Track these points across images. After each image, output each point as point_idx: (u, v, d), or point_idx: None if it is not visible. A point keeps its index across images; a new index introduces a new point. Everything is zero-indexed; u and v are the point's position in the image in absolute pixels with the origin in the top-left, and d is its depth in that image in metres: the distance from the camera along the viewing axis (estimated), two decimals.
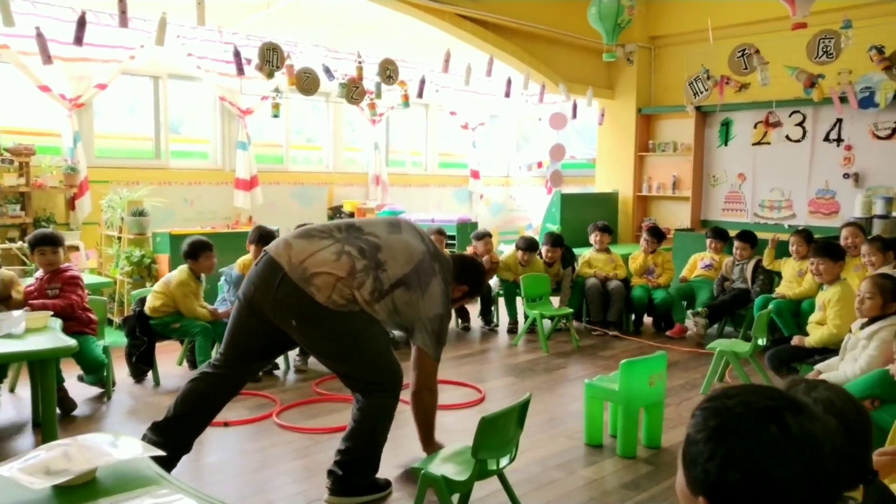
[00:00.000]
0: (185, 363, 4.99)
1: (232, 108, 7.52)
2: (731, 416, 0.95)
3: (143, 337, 4.52)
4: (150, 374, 4.64)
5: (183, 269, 4.71)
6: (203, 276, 4.83)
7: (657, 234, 6.49)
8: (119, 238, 6.27)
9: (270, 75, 6.05)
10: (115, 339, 5.12)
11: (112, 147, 7.14)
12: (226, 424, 3.87)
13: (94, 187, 6.51)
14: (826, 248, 4.43)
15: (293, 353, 5.01)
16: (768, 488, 0.91)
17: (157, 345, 4.63)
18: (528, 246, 6.37)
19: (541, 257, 6.43)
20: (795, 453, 0.91)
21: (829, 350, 4.00)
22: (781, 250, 5.91)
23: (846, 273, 4.94)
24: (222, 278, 5.16)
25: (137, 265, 5.95)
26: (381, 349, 3.06)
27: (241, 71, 6.22)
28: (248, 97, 7.39)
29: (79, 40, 5.01)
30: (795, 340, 4.29)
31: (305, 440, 3.72)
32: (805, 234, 5.67)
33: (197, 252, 4.71)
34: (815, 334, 4.27)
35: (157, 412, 4.10)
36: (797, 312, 5.25)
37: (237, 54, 6.16)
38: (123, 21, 5.07)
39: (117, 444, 1.86)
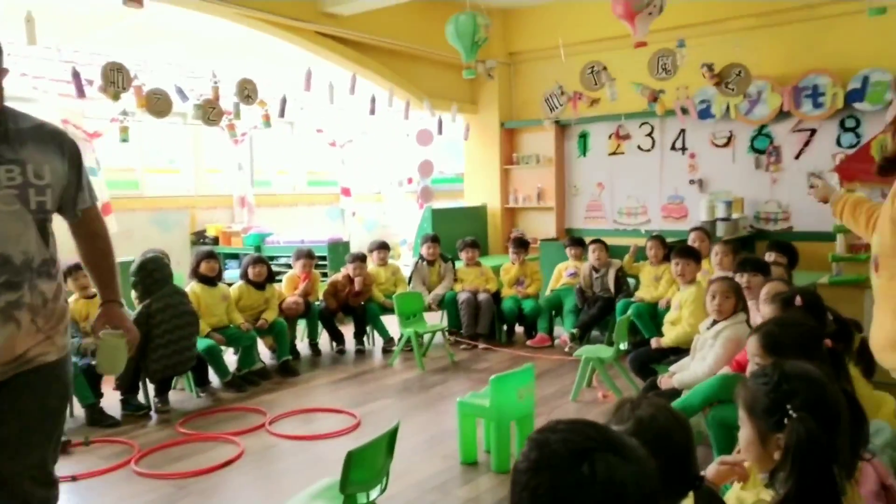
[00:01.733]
0: None
1: (77, 131, 7.00)
2: (549, 452, 1.00)
3: None
4: None
5: None
6: None
7: (521, 244, 6.70)
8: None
9: (116, 97, 5.68)
10: None
11: None
12: (73, 479, 3.55)
13: None
14: (688, 251, 4.74)
15: (152, 394, 4.71)
16: None
17: None
18: (380, 245, 6.75)
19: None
20: (598, 495, 0.95)
21: (682, 350, 4.25)
22: (640, 255, 6.23)
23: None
24: None
25: None
26: None
27: (81, 93, 5.80)
28: (93, 120, 6.90)
29: None
30: (653, 343, 4.52)
31: (169, 487, 3.48)
32: (660, 240, 6.02)
33: None
34: (670, 334, 4.51)
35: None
36: (655, 315, 5.55)
37: (76, 75, 5.74)
38: None
39: None
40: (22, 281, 1.97)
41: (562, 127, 8.45)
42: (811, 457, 1.45)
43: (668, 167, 7.86)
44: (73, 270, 4.67)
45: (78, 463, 3.79)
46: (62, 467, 3.71)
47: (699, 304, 4.35)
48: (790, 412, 1.49)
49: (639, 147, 8.03)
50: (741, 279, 3.86)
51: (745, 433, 1.61)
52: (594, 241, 6.30)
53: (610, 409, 1.56)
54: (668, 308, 5.14)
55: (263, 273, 5.69)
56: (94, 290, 4.73)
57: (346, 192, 10.08)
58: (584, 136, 8.43)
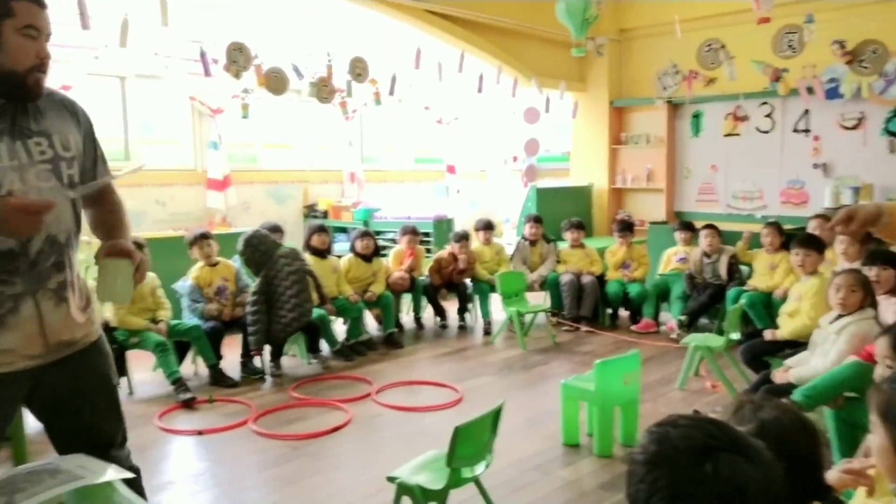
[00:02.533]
0: (158, 371, 4.92)
1: (202, 107, 7.42)
2: (669, 447, 0.99)
3: (112, 345, 4.44)
4: (123, 382, 4.58)
5: None
6: (148, 281, 4.64)
7: (626, 227, 6.54)
8: (88, 243, 6.16)
9: (238, 75, 5.98)
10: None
11: None
12: (199, 433, 3.83)
13: None
14: (810, 240, 4.48)
15: (268, 359, 4.98)
16: None
17: (131, 353, 4.56)
18: (486, 225, 6.70)
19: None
20: (718, 494, 0.94)
21: (800, 344, 4.05)
22: (754, 242, 5.97)
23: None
24: (178, 293, 5.05)
25: None
26: None
27: (207, 72, 6.12)
28: (218, 97, 7.29)
29: None
30: (767, 335, 4.34)
31: (283, 447, 3.70)
32: (777, 227, 5.74)
33: None
34: (787, 326, 4.32)
35: (131, 421, 4.06)
36: (769, 305, 5.32)
37: (203, 54, 6.06)
38: (85, 23, 4.97)
39: (86, 466, 1.82)
40: (65, 261, 1.89)
41: (674, 106, 8.15)
42: None
43: (789, 150, 7.44)
44: (198, 239, 4.97)
45: (202, 419, 4.09)
46: (190, 421, 4.03)
47: (821, 297, 4.12)
48: None
49: (757, 128, 7.64)
50: (870, 272, 3.63)
51: (877, 440, 1.52)
52: (706, 226, 6.07)
53: (727, 407, 1.52)
54: (784, 299, 4.91)
55: (371, 246, 5.87)
56: (217, 258, 5.04)
57: (451, 169, 10.17)
58: (697, 116, 8.10)
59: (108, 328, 4.47)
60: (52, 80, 6.22)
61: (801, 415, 1.48)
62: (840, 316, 3.42)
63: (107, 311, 4.49)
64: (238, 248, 4.95)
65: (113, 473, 1.79)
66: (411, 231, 6.29)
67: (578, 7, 6.17)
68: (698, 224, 6.40)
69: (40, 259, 1.83)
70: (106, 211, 2.08)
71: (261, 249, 4.90)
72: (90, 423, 2.04)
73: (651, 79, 7.68)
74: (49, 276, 1.86)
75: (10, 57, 1.74)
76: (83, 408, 2.02)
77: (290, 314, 4.84)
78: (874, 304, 3.40)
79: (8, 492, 1.63)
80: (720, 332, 5.05)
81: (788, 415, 1.44)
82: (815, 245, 4.43)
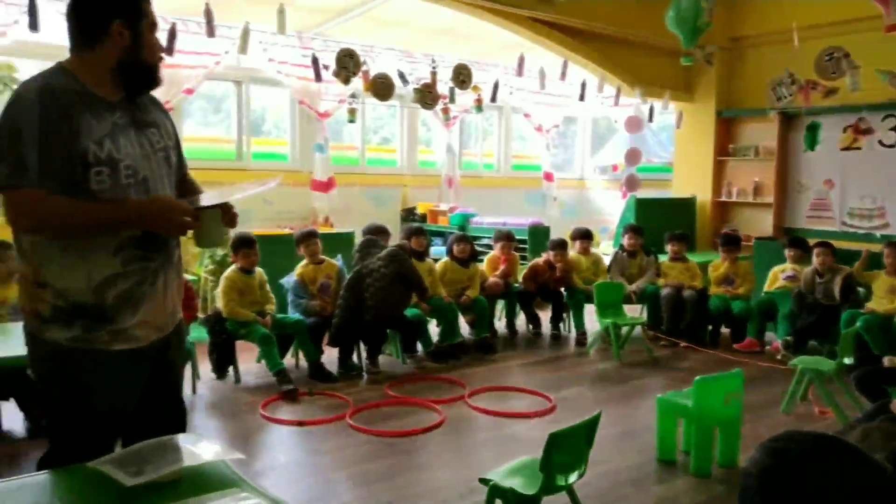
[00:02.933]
0: (262, 362, 5.15)
1: (310, 111, 7.72)
2: (787, 462, 1.00)
3: (223, 335, 4.70)
4: (231, 370, 4.83)
5: (231, 267, 4.85)
6: (257, 276, 4.90)
7: (732, 241, 6.30)
8: None
9: (347, 81, 6.20)
10: (198, 334, 5.34)
11: (195, 149, 7.45)
12: (300, 424, 3.99)
13: None
14: None
15: (364, 356, 5.12)
16: None
17: (239, 342, 4.80)
18: (583, 234, 6.59)
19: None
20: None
21: None
22: (873, 262, 5.62)
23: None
24: (284, 288, 5.25)
25: (220, 264, 6.19)
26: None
27: (318, 77, 6.38)
28: (325, 101, 7.56)
29: (170, 50, 5.25)
30: (886, 361, 4.07)
31: (377, 443, 3.80)
32: None
33: (236, 249, 4.79)
34: None
35: (236, 408, 4.29)
36: (888, 329, 5.00)
37: (315, 61, 6.33)
38: (210, 31, 5.29)
39: (200, 445, 1.95)
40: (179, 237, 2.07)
41: (787, 118, 7.78)
42: None
43: None
44: (306, 237, 5.19)
45: (304, 411, 4.26)
46: (291, 412, 4.20)
47: None
48: None
49: (880, 142, 7.18)
50: None
51: None
52: (820, 244, 5.76)
53: (841, 433, 1.45)
54: None
55: (467, 251, 5.93)
56: (322, 256, 5.24)
57: (548, 176, 10.12)
58: (813, 129, 7.68)
59: (218, 318, 4.73)
60: (176, 84, 6.63)
61: None
62: None
63: (218, 303, 4.76)
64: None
65: (227, 453, 1.90)
66: (506, 237, 6.31)
67: (690, 15, 5.99)
68: (809, 241, 6.09)
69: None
70: (191, 192, 2.21)
71: (369, 251, 5.09)
72: (179, 398, 2.23)
73: (763, 89, 7.36)
74: (174, 251, 2.05)
75: (149, 52, 1.94)
76: (176, 383, 2.22)
77: (372, 312, 4.97)
78: None
79: (136, 461, 1.77)
80: (830, 356, 4.78)
81: None
82: None
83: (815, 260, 5.70)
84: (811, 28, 6.89)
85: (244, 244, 4.75)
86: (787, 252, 6.11)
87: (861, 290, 5.62)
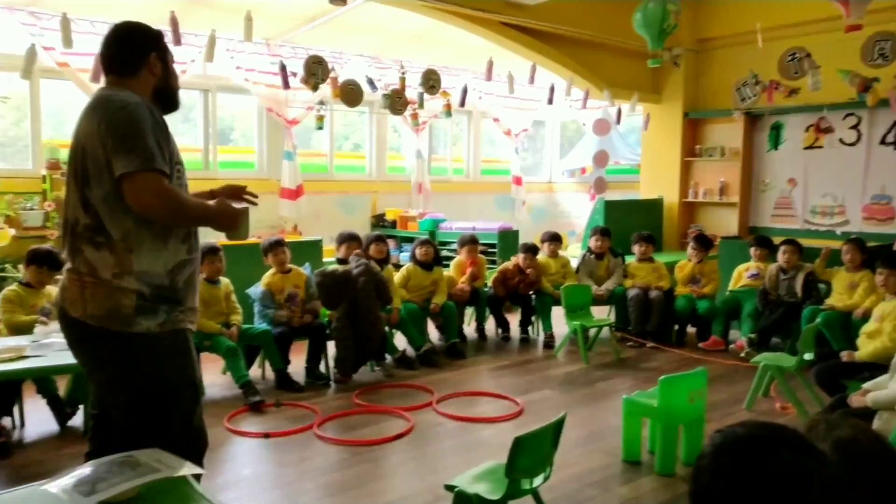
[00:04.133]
0: (228, 373, 5.05)
1: (278, 118, 7.68)
2: (734, 438, 1.04)
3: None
4: None
5: None
6: (222, 286, 4.85)
7: (704, 243, 6.37)
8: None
9: (315, 88, 6.17)
10: None
11: None
12: (266, 436, 3.96)
13: None
14: (895, 259, 4.29)
15: (332, 364, 5.10)
16: None
17: (202, 355, 4.74)
18: (552, 237, 6.61)
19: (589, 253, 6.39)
20: (781, 487, 0.97)
21: (879, 367, 3.87)
22: (833, 260, 5.73)
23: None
24: (250, 298, 5.18)
25: None
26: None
27: (286, 85, 6.34)
28: (293, 108, 7.53)
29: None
30: (844, 356, 4.16)
31: (345, 452, 3.78)
32: (858, 244, 5.49)
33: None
34: (866, 347, 4.14)
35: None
36: (847, 325, 5.09)
37: (283, 68, 6.30)
38: (177, 39, 5.24)
39: (159, 460, 1.92)
40: None
41: (752, 118, 7.91)
42: None
43: (876, 163, 7.10)
44: (273, 246, 5.14)
45: (270, 423, 4.21)
46: (257, 424, 4.16)
47: None
48: None
49: (841, 140, 7.33)
50: None
51: None
52: (786, 242, 5.86)
53: (800, 426, 1.47)
54: (863, 319, 4.70)
55: (431, 254, 5.91)
56: (289, 265, 5.20)
57: (517, 181, 10.16)
58: (776, 128, 7.83)
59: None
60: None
61: (881, 437, 1.41)
62: None
63: None
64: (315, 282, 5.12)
65: (187, 469, 1.88)
66: (470, 241, 6.31)
67: (656, 17, 6.06)
68: (774, 240, 6.19)
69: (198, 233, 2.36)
70: None
71: (333, 287, 5.03)
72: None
73: (728, 90, 7.48)
74: (199, 247, 2.38)
75: (174, 79, 2.36)
76: None
77: (373, 327, 5.02)
78: None
79: (90, 481, 1.74)
80: (792, 352, 4.86)
81: (866, 435, 1.37)
82: None
83: (781, 257, 5.79)
84: (774, 29, 7.02)
85: (209, 251, 4.69)
86: (752, 251, 6.20)
87: (822, 286, 5.72)
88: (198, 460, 2.23)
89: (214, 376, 5.00)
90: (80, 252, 2.14)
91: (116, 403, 2.22)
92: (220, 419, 4.18)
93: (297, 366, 5.01)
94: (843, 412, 3.43)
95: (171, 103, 2.35)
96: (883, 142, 7.05)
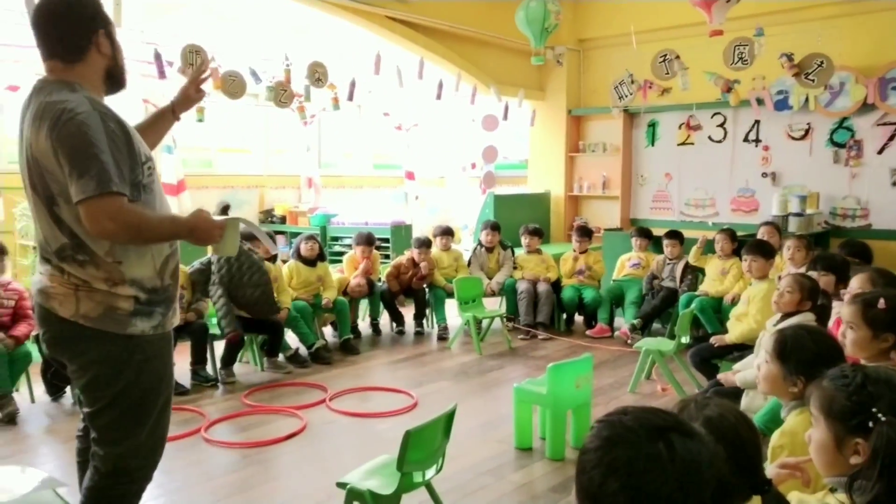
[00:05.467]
0: None
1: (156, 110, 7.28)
2: (623, 429, 0.98)
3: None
4: (68, 390, 4.46)
5: None
6: None
7: (585, 233, 6.63)
8: (35, 248, 5.99)
9: None
10: (30, 354, 4.87)
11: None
12: None
13: (6, 194, 6.20)
14: (759, 247, 4.60)
15: (219, 365, 4.90)
16: (642, 501, 0.93)
17: None
18: (445, 231, 6.69)
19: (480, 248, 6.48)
20: (675, 472, 0.93)
21: (747, 347, 4.15)
22: (707, 249, 6.10)
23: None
24: None
25: None
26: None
27: (162, 74, 6.02)
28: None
29: None
30: (714, 339, 4.43)
31: (234, 455, 3.65)
32: (729, 233, 5.87)
33: None
34: (735, 329, 4.42)
35: (74, 431, 3.95)
36: (719, 309, 5.44)
37: (158, 56, 5.97)
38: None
39: (24, 475, 1.79)
40: None
41: (630, 115, 8.30)
42: None
43: (740, 159, 7.64)
44: None
45: None
46: None
47: (768, 301, 4.21)
48: (878, 415, 1.41)
49: (710, 138, 7.83)
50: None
51: (817, 436, 1.54)
52: (669, 234, 6.18)
53: (671, 406, 1.54)
54: (733, 303, 5.04)
55: (315, 249, 5.79)
56: None
57: (410, 175, 10.17)
58: (652, 126, 8.26)
59: None
60: (0, 80, 6.04)
61: (742, 412, 1.52)
62: (783, 318, 3.50)
63: None
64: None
65: (52, 482, 1.76)
66: (366, 241, 6.22)
67: (538, 16, 6.24)
68: (654, 231, 6.52)
69: None
70: None
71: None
72: None
73: (607, 88, 7.80)
74: None
75: (121, 56, 2.13)
76: None
77: (254, 295, 4.93)
78: (816, 308, 3.48)
79: None
80: (672, 337, 5.14)
81: (731, 412, 1.47)
82: (764, 251, 4.55)
83: (666, 250, 6.13)
84: (648, 32, 7.40)
85: None
86: (633, 241, 6.51)
87: (700, 274, 6.08)
88: (152, 470, 2.20)
89: None
90: (63, 271, 2.00)
91: (93, 403, 2.10)
92: None
93: (181, 368, 4.77)
94: (716, 391, 3.66)
95: (118, 83, 2.16)
96: (746, 139, 7.59)
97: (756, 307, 4.34)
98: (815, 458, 1.57)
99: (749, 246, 4.68)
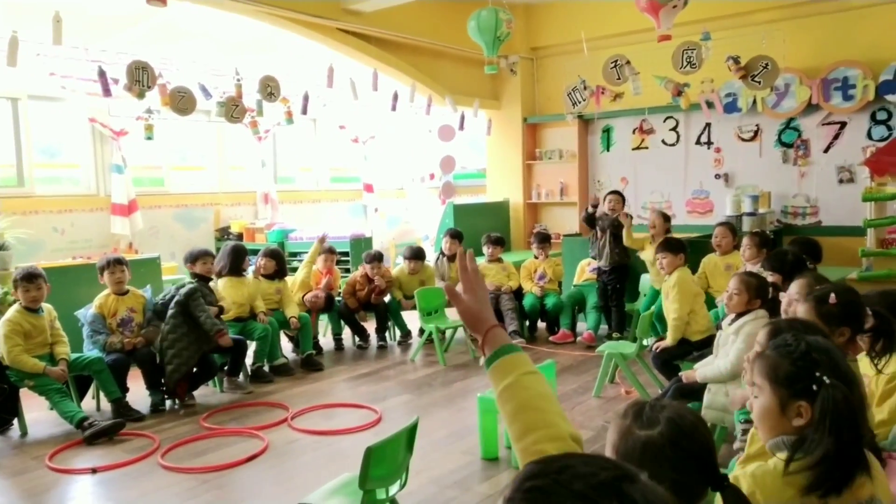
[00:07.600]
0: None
1: (104, 129, 7.11)
2: (569, 496, 0.76)
3: (3, 385, 4.13)
4: (15, 422, 4.27)
5: (12, 307, 4.31)
6: (45, 314, 4.40)
7: (544, 239, 6.66)
8: None
9: (141, 95, 5.74)
10: None
11: None
12: (93, 471, 3.60)
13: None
14: (666, 244, 4.72)
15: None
16: None
17: (24, 390, 4.26)
18: (415, 255, 6.56)
19: (438, 261, 6.46)
20: None
21: (708, 344, 4.19)
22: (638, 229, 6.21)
23: (717, 270, 5.34)
24: (80, 322, 4.74)
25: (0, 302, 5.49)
26: None
27: (107, 92, 5.87)
28: (120, 118, 7.00)
29: None
30: (654, 344, 4.45)
31: (192, 481, 3.52)
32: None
33: (15, 285, 4.28)
34: (669, 331, 4.44)
35: (23, 464, 3.79)
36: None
37: (102, 74, 5.82)
38: None
39: None
40: None
41: (585, 122, 8.38)
42: (846, 421, 1.46)
43: (693, 162, 7.76)
44: (111, 264, 4.72)
45: (103, 457, 3.84)
46: (86, 460, 3.78)
47: (682, 289, 4.38)
48: (823, 378, 1.49)
49: (663, 141, 7.94)
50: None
51: (762, 402, 1.60)
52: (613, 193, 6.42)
53: (619, 412, 1.50)
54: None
55: (271, 266, 5.74)
56: (127, 287, 4.80)
57: (368, 188, 10.10)
58: (607, 131, 8.35)
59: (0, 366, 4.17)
60: None
61: (694, 412, 1.52)
62: (737, 317, 3.54)
63: None
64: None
65: None
66: (328, 251, 6.19)
67: (489, 25, 6.25)
68: None
69: None
70: None
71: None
72: None
73: (561, 95, 7.86)
74: None
75: None
76: None
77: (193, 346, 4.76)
78: (767, 305, 3.53)
79: None
80: (633, 339, 5.16)
81: (689, 411, 1.47)
82: (672, 247, 4.65)
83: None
84: (598, 39, 7.49)
85: (24, 279, 4.23)
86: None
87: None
88: None
89: (38, 413, 4.49)
90: None
91: None
92: (42, 461, 3.76)
93: (136, 393, 4.63)
94: (678, 388, 3.69)
95: None
96: (698, 142, 7.71)
97: (672, 299, 4.41)
98: (758, 424, 1.65)
99: (659, 245, 4.80)
